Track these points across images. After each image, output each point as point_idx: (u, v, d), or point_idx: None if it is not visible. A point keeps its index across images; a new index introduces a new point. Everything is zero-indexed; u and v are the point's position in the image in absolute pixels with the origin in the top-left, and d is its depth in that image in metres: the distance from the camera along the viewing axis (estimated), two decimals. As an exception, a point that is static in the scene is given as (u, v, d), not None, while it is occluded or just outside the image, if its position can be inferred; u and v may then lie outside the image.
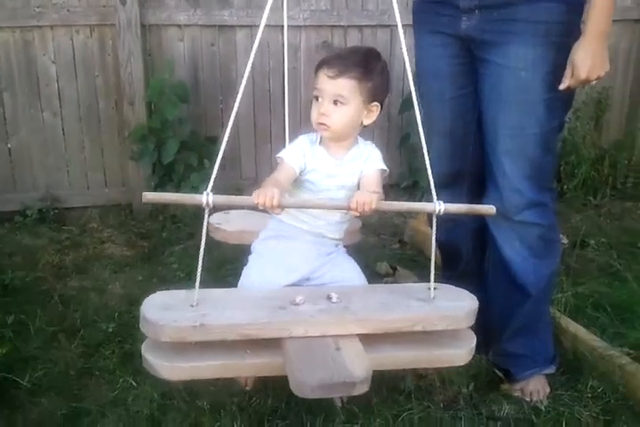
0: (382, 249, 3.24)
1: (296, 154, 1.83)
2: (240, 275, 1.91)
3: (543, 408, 2.02)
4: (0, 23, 3.45)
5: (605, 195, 4.01)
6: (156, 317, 1.54)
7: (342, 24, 3.83)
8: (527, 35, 1.84)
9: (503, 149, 1.96)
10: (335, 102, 1.79)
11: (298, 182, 1.85)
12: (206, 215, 1.58)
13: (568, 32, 1.81)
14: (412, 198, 3.77)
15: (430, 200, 1.70)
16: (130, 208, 3.73)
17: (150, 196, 1.56)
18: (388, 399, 2.04)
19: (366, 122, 1.85)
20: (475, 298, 1.74)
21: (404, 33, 3.94)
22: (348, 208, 1.65)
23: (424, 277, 2.58)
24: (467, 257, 2.29)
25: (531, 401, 2.07)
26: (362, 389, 1.45)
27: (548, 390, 2.12)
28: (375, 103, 1.82)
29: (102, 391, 2.10)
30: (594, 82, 1.83)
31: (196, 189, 3.52)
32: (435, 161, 2.18)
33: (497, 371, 2.17)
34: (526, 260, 2.04)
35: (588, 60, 1.77)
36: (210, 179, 1.57)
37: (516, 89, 1.89)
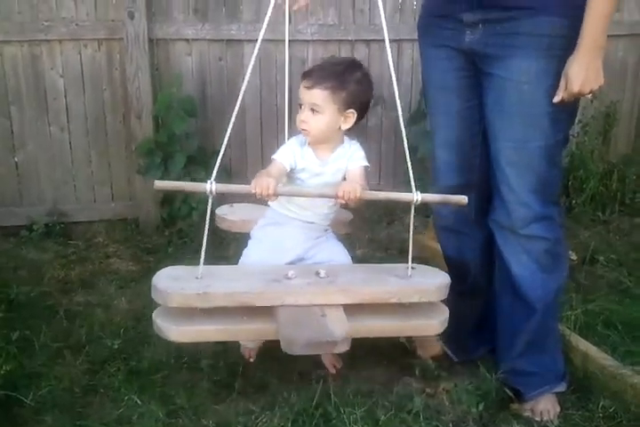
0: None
1: (286, 153, 2.03)
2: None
3: (554, 428, 1.99)
4: (8, 37, 3.45)
5: (614, 210, 3.97)
6: (165, 285, 1.78)
7: (350, 38, 3.82)
8: (530, 48, 1.84)
9: (507, 162, 1.96)
10: (312, 110, 2.00)
11: (290, 180, 2.07)
12: (210, 201, 1.80)
13: (570, 46, 1.80)
14: (422, 212, 3.75)
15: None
16: (136, 223, 3.71)
17: (160, 183, 1.80)
18: (395, 419, 2.01)
19: (344, 127, 2.04)
20: (447, 275, 1.96)
21: (412, 47, 3.94)
22: (336, 196, 1.86)
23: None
24: (475, 272, 2.27)
25: (541, 421, 2.04)
26: (342, 347, 1.72)
27: (558, 409, 2.09)
28: (351, 110, 2.01)
29: (107, 409, 2.08)
30: (589, 95, 1.83)
31: (203, 203, 3.50)
32: (442, 173, 2.19)
33: (507, 390, 2.14)
34: (534, 274, 2.03)
35: (581, 74, 1.77)
36: (214, 171, 1.82)
37: (519, 102, 1.89)
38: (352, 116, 2.02)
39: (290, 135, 2.24)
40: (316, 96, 1.98)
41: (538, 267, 2.02)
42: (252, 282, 1.85)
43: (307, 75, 2.02)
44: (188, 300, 1.76)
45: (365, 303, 1.87)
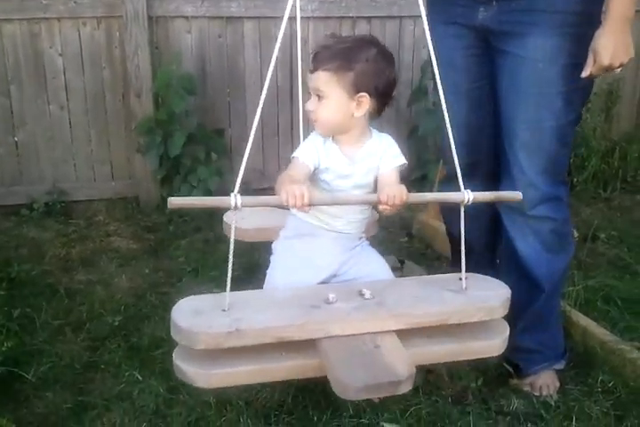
0: (390, 243, 3.22)
1: (309, 151, 1.77)
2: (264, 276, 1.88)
3: (553, 403, 2.00)
4: (7, 15, 3.43)
5: (615, 188, 3.98)
6: (189, 324, 1.49)
7: (351, 15, 3.79)
8: (545, 25, 1.80)
9: (520, 142, 1.93)
10: (318, 97, 1.75)
11: (313, 182, 1.80)
12: (234, 217, 1.55)
13: (586, 22, 1.77)
14: (421, 191, 3.74)
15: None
16: (136, 201, 3.71)
17: (176, 201, 1.49)
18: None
19: (357, 114, 1.76)
20: (505, 285, 1.73)
21: (414, 24, 3.90)
22: (379, 202, 1.62)
23: (432, 271, 2.59)
24: (479, 251, 2.26)
25: (540, 396, 2.05)
26: (406, 387, 1.43)
27: (557, 384, 2.10)
28: (362, 94, 1.73)
29: (108, 385, 2.09)
30: (618, 69, 1.79)
31: (204, 182, 3.51)
32: (449, 152, 2.16)
33: (506, 365, 2.15)
34: (540, 254, 2.02)
35: (610, 47, 1.73)
36: (236, 181, 1.53)
37: (533, 81, 1.86)
38: (366, 100, 1.73)
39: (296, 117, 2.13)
40: (318, 79, 1.73)
41: (544, 247, 2.01)
42: (288, 312, 1.56)
43: (312, 57, 1.77)
44: (218, 340, 1.47)
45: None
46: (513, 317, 2.11)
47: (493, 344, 1.68)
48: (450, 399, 2.02)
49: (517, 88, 1.89)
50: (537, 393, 2.06)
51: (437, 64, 2.07)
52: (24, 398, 2.03)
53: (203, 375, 1.52)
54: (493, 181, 2.08)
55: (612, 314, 2.44)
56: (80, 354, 2.25)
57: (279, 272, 1.85)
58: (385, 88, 1.77)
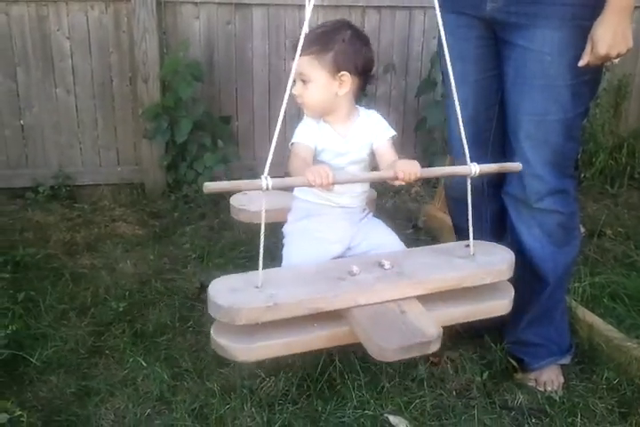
0: (396, 234, 3.21)
1: (307, 133, 1.88)
2: (279, 257, 1.92)
3: (557, 399, 1.99)
4: (15, -3, 3.41)
5: (623, 184, 3.96)
6: (228, 301, 1.55)
7: (361, 4, 3.77)
8: (554, 18, 1.79)
9: (525, 135, 1.92)
10: (303, 81, 1.85)
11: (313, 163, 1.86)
12: (264, 199, 1.57)
13: (595, 15, 1.75)
14: (427, 182, 3.75)
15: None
16: (142, 187, 3.70)
17: (211, 186, 1.54)
18: (399, 386, 2.02)
19: (340, 92, 1.85)
20: (508, 249, 1.86)
21: (424, 14, 3.88)
22: (395, 178, 1.70)
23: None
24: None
25: (545, 391, 2.04)
26: (435, 346, 1.55)
27: (562, 380, 2.09)
28: (343, 72, 1.82)
29: (112, 370, 2.09)
30: (615, 60, 1.78)
31: (210, 169, 3.50)
32: (457, 145, 2.14)
33: (511, 360, 2.14)
34: (546, 247, 2.01)
35: (608, 35, 1.72)
36: (266, 164, 1.55)
37: (541, 74, 1.84)
38: (347, 79, 1.83)
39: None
40: (301, 64, 1.78)
41: (549, 240, 2.00)
42: (318, 285, 1.66)
43: (292, 46, 1.88)
44: (257, 315, 1.55)
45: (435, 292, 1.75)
46: (518, 311, 2.12)
47: (502, 304, 1.83)
48: (454, 393, 2.02)
49: (524, 80, 1.88)
50: (541, 388, 2.06)
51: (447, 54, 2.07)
52: (28, 382, 2.03)
53: (244, 350, 1.60)
54: (501, 175, 2.06)
55: (619, 311, 2.43)
56: (84, 339, 2.24)
57: (294, 252, 1.90)
58: (364, 66, 1.87)
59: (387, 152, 1.89)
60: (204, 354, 2.17)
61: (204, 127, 3.58)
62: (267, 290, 1.59)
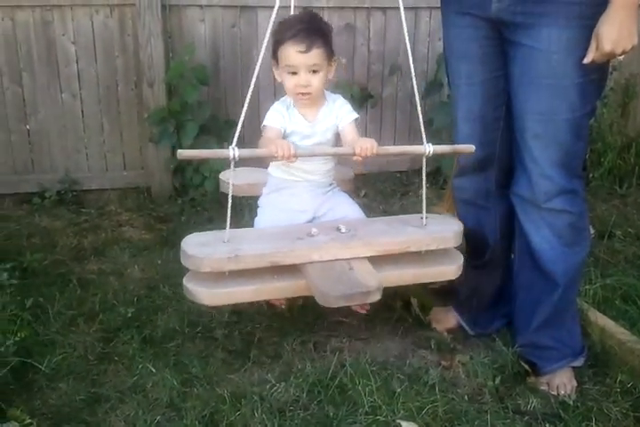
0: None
1: (276, 117, 2.06)
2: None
3: (571, 403, 1.97)
4: (20, 2, 3.40)
5: (631, 184, 3.93)
6: (196, 251, 1.82)
7: (366, 6, 3.76)
8: (561, 17, 1.77)
9: (533, 135, 1.91)
10: (313, 71, 2.00)
11: None
12: (232, 166, 1.84)
13: (601, 13, 1.73)
14: (435, 184, 3.73)
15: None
16: (148, 191, 3.69)
17: (184, 152, 1.82)
18: (411, 391, 2.00)
19: (330, 76, 2.07)
20: (459, 222, 2.09)
21: (429, 15, 3.87)
22: (353, 154, 1.90)
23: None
24: (493, 245, 2.24)
25: (558, 395, 2.02)
26: (375, 297, 1.79)
27: (575, 383, 2.07)
28: (334, 57, 2.06)
29: (121, 377, 2.08)
30: (620, 57, 1.77)
31: (216, 172, 3.47)
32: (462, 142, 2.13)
33: (523, 363, 2.13)
34: (555, 248, 1.99)
35: (613, 32, 1.70)
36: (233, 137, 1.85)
37: (547, 73, 1.83)
38: (334, 64, 2.07)
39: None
40: (316, 57, 1.98)
41: (559, 240, 1.98)
42: (278, 242, 1.90)
43: (291, 38, 1.97)
44: (220, 264, 1.81)
45: (385, 255, 1.94)
46: (529, 312, 2.10)
47: (449, 269, 2.03)
48: (466, 397, 2.00)
49: (530, 80, 1.87)
50: (554, 392, 2.04)
51: (450, 55, 2.08)
52: (37, 389, 2.01)
53: (209, 294, 1.86)
54: (508, 175, 2.07)
55: (631, 313, 2.40)
56: (93, 345, 2.23)
57: (263, 220, 2.14)
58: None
59: (350, 133, 2.07)
60: (214, 360, 2.16)
61: (209, 131, 3.56)
62: (232, 245, 1.85)
